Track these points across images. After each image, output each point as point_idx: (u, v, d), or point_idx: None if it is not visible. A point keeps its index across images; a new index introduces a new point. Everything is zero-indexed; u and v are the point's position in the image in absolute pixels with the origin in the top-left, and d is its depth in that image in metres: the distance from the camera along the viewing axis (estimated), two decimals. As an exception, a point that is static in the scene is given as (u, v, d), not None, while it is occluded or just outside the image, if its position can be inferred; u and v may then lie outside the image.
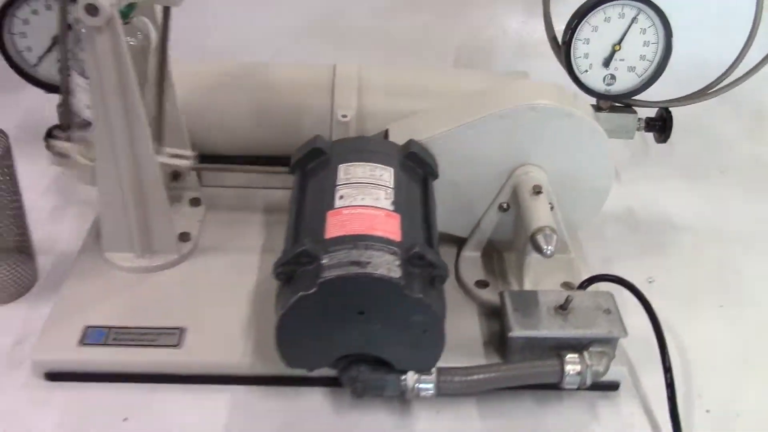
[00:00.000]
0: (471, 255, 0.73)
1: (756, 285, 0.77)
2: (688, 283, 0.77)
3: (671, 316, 0.68)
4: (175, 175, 0.72)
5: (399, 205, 0.59)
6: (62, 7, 0.63)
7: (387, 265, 0.53)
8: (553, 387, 0.61)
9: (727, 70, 0.80)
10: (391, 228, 0.56)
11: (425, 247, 0.55)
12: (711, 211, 0.87)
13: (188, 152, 0.70)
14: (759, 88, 1.02)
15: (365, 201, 0.58)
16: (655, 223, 0.85)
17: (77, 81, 0.64)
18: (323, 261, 0.53)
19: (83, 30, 0.59)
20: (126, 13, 0.60)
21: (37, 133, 0.69)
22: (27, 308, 0.69)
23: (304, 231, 0.58)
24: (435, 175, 0.66)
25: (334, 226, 0.56)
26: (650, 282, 0.75)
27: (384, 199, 0.58)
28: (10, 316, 0.69)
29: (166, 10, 0.63)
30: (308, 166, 0.65)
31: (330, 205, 0.58)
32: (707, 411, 0.63)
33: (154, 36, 0.66)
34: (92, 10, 0.56)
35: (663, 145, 0.93)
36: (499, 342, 0.65)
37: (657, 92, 0.79)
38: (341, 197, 0.58)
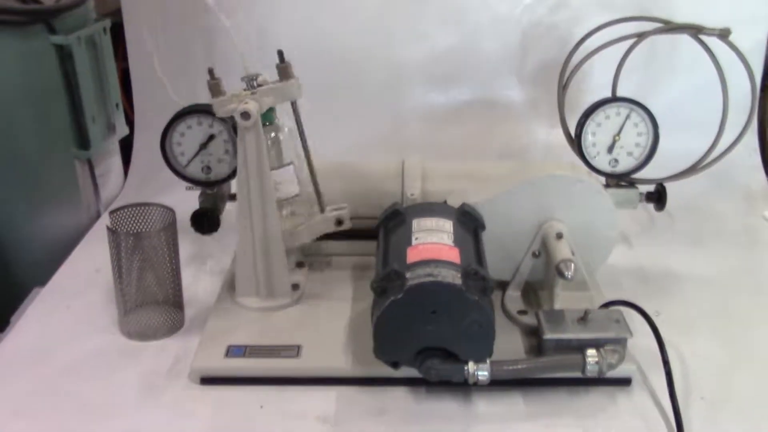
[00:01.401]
0: (513, 294, 0.94)
1: (742, 317, 0.97)
2: (688, 316, 0.96)
3: (674, 336, 0.87)
4: (339, 222, 0.95)
5: (457, 242, 0.82)
6: (232, 125, 0.91)
7: (452, 277, 0.75)
8: (581, 382, 0.82)
9: (707, 153, 1.04)
10: (453, 256, 0.79)
11: (478, 266, 0.77)
12: (706, 266, 1.08)
13: (342, 204, 0.94)
14: (739, 169, 1.27)
15: (434, 239, 0.81)
16: (661, 276, 1.06)
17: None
18: (407, 275, 0.76)
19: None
20: (268, 116, 0.87)
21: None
22: (179, 341, 0.92)
23: (391, 261, 0.81)
24: (483, 227, 0.89)
25: (413, 255, 0.79)
26: (657, 315, 0.94)
27: (447, 238, 0.82)
28: (167, 347, 0.91)
29: (294, 105, 0.89)
30: (389, 224, 0.88)
31: (409, 243, 0.81)
32: (702, 398, 0.82)
33: (290, 131, 0.92)
34: (245, 116, 0.83)
35: (666, 218, 1.17)
36: (537, 350, 0.85)
37: (652, 171, 1.02)
38: (416, 238, 0.82)
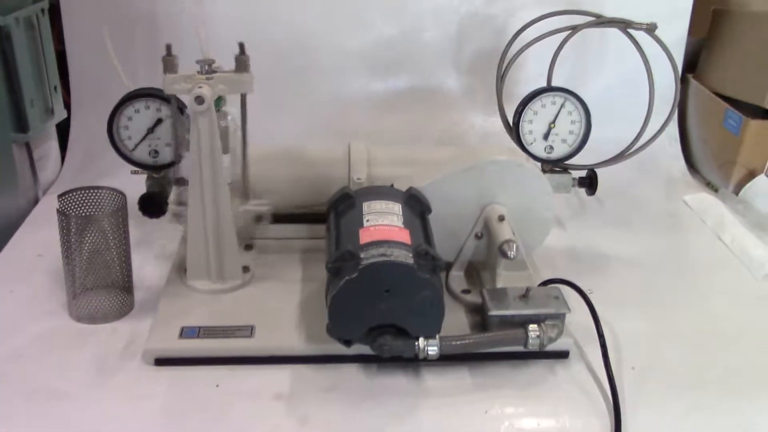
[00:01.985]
0: (457, 274, 0.99)
1: (667, 294, 1.05)
2: (618, 294, 1.02)
3: (606, 313, 0.92)
4: (258, 218, 0.98)
5: (407, 224, 0.85)
6: (173, 112, 0.92)
7: (404, 257, 0.79)
8: (522, 356, 0.87)
9: (634, 140, 1.11)
10: (404, 237, 0.82)
11: (428, 246, 0.81)
12: (633, 247, 1.15)
13: (265, 201, 0.96)
14: (661, 156, 1.35)
15: (384, 221, 0.84)
16: (593, 257, 1.12)
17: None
18: (361, 256, 0.79)
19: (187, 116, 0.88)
20: (217, 103, 0.88)
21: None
22: (129, 324, 0.93)
23: (344, 242, 0.83)
24: (429, 210, 0.92)
25: (366, 237, 0.82)
26: (590, 293, 0.99)
27: (397, 220, 0.85)
28: (117, 329, 0.91)
29: (243, 97, 0.91)
30: (339, 207, 0.91)
31: (360, 225, 0.84)
32: (633, 368, 0.88)
33: (233, 120, 0.93)
34: (199, 100, 0.84)
35: (596, 202, 1.23)
36: (481, 327, 0.90)
37: (584, 158, 1.08)
38: (368, 220, 0.85)
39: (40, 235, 1.09)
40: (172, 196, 0.99)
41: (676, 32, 1.39)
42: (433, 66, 1.41)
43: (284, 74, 1.34)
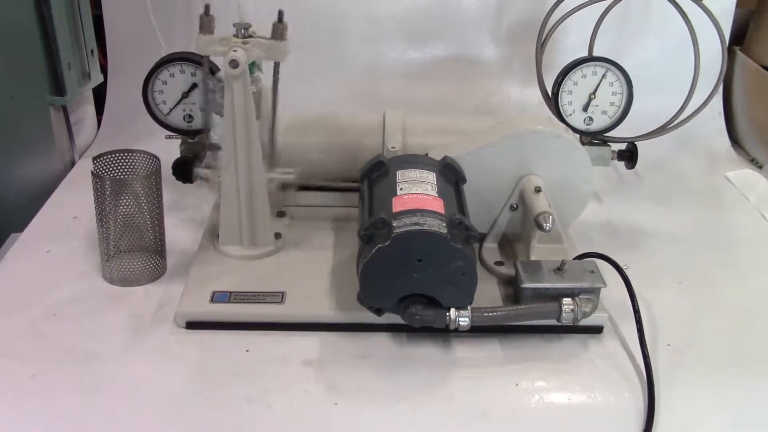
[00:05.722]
0: (490, 245, 0.97)
1: (705, 269, 1.02)
2: (655, 269, 1.00)
3: (642, 288, 0.90)
4: (284, 187, 0.97)
5: (441, 194, 0.84)
6: (205, 73, 0.91)
7: (437, 226, 0.78)
8: (555, 330, 0.86)
9: (677, 113, 1.08)
10: (437, 206, 0.81)
11: (462, 216, 0.80)
12: (672, 223, 1.12)
13: (291, 169, 0.96)
14: (703, 131, 1.32)
15: (418, 190, 0.83)
16: (630, 231, 1.10)
17: (215, 119, 0.91)
18: (393, 224, 0.78)
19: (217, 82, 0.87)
20: (251, 68, 0.87)
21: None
22: (161, 288, 0.93)
23: (377, 210, 0.82)
24: (464, 180, 0.91)
25: (399, 205, 0.81)
26: (626, 268, 0.97)
27: (431, 189, 0.84)
28: (150, 293, 0.92)
29: (276, 65, 0.90)
30: (373, 175, 0.90)
31: (394, 193, 0.83)
32: (668, 345, 0.87)
33: (265, 85, 0.93)
34: (234, 63, 0.83)
35: (634, 176, 1.21)
36: (514, 299, 0.89)
37: (624, 130, 1.06)
38: (401, 189, 0.84)
39: (76, 197, 1.10)
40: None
41: (723, 3, 1.35)
42: (470, 35, 1.38)
43: (318, 41, 1.33)
